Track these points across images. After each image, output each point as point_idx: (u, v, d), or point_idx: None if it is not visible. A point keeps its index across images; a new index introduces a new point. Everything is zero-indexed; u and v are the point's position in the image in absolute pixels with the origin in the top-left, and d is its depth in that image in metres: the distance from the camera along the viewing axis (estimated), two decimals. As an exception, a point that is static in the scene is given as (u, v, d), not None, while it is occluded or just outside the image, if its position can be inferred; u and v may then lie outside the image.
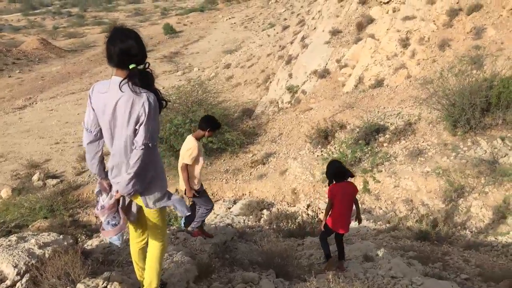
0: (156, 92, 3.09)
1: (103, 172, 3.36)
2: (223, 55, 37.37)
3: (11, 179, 17.27)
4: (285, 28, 33.11)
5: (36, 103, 31.03)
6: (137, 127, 2.99)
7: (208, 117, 5.69)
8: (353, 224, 6.22)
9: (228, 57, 34.33)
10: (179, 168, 5.54)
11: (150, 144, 3.01)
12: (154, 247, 3.51)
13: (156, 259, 3.49)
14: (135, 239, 3.66)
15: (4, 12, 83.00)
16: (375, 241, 8.75)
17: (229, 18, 61.18)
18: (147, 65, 3.07)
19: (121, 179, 3.14)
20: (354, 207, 5.84)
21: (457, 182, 10.57)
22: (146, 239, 3.64)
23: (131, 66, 2.95)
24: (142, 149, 2.99)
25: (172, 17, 67.70)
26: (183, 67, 37.24)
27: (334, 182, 5.73)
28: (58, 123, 24.98)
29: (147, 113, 2.95)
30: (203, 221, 6.10)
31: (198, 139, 5.47)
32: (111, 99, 2.99)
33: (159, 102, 3.10)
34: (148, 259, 3.52)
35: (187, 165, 5.38)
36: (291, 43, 25.54)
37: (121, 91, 2.93)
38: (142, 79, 2.98)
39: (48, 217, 13.95)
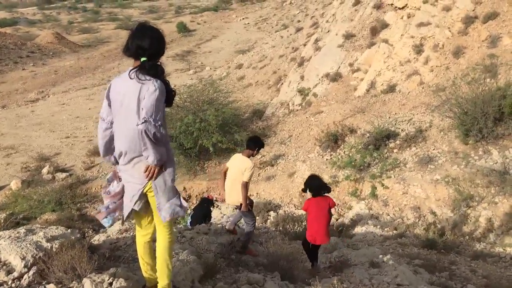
0: (164, 82, 3.25)
1: (116, 161, 3.53)
2: (236, 55, 37.37)
3: (21, 171, 17.41)
4: (298, 30, 33.05)
5: (48, 97, 31.26)
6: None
7: (256, 138, 6.18)
8: None
9: (240, 57, 34.34)
10: (229, 184, 5.92)
11: (151, 121, 3.08)
12: (162, 240, 3.55)
13: (166, 252, 3.54)
14: (140, 232, 3.69)
15: (20, 6, 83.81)
16: (382, 247, 8.71)
17: (243, 19, 61.19)
18: (158, 60, 3.29)
19: (147, 156, 3.24)
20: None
21: (467, 191, 10.48)
22: (151, 234, 3.67)
23: (142, 59, 3.17)
24: (142, 123, 3.07)
25: (186, 16, 67.81)
26: (195, 66, 37.28)
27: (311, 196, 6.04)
28: (69, 117, 25.14)
29: (149, 93, 3.11)
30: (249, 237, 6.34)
31: (249, 157, 5.91)
32: (123, 86, 3.25)
33: (168, 92, 3.25)
34: (158, 253, 3.57)
35: (247, 183, 5.72)
36: (304, 45, 25.48)
37: (130, 78, 3.17)
38: (150, 70, 3.17)
39: (56, 210, 14.06)
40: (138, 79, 3.15)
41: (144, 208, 3.52)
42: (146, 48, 3.18)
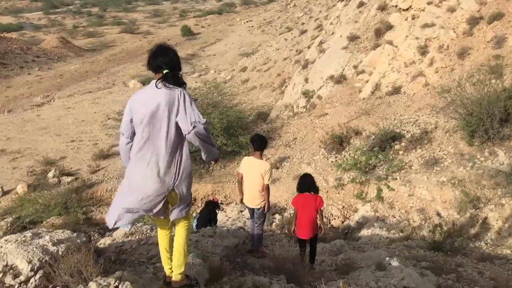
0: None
1: None
2: (240, 58, 37.40)
3: (27, 175, 17.46)
4: (302, 32, 33.04)
5: (53, 101, 31.33)
6: (177, 118, 3.47)
7: (262, 138, 6.28)
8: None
9: (244, 60, 34.36)
10: (248, 188, 6.14)
11: (198, 122, 3.47)
12: (180, 228, 3.76)
13: (183, 239, 3.75)
14: (162, 231, 3.88)
15: (26, 11, 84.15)
16: (388, 250, 8.66)
17: (247, 21, 61.29)
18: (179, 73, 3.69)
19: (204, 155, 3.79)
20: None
21: (473, 193, 10.42)
22: (171, 229, 3.90)
23: (165, 71, 3.56)
24: (192, 129, 3.46)
25: (190, 19, 67.88)
26: (200, 69, 37.32)
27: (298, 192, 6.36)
28: (75, 121, 25.21)
29: (182, 99, 3.48)
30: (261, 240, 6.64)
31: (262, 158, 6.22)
32: (149, 96, 3.54)
33: None
34: (176, 242, 3.77)
35: (268, 185, 6.03)
36: (308, 47, 25.47)
37: (157, 87, 3.50)
38: (173, 79, 3.55)
39: (62, 214, 14.08)
40: (166, 87, 3.49)
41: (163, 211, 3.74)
42: (168, 63, 3.58)
